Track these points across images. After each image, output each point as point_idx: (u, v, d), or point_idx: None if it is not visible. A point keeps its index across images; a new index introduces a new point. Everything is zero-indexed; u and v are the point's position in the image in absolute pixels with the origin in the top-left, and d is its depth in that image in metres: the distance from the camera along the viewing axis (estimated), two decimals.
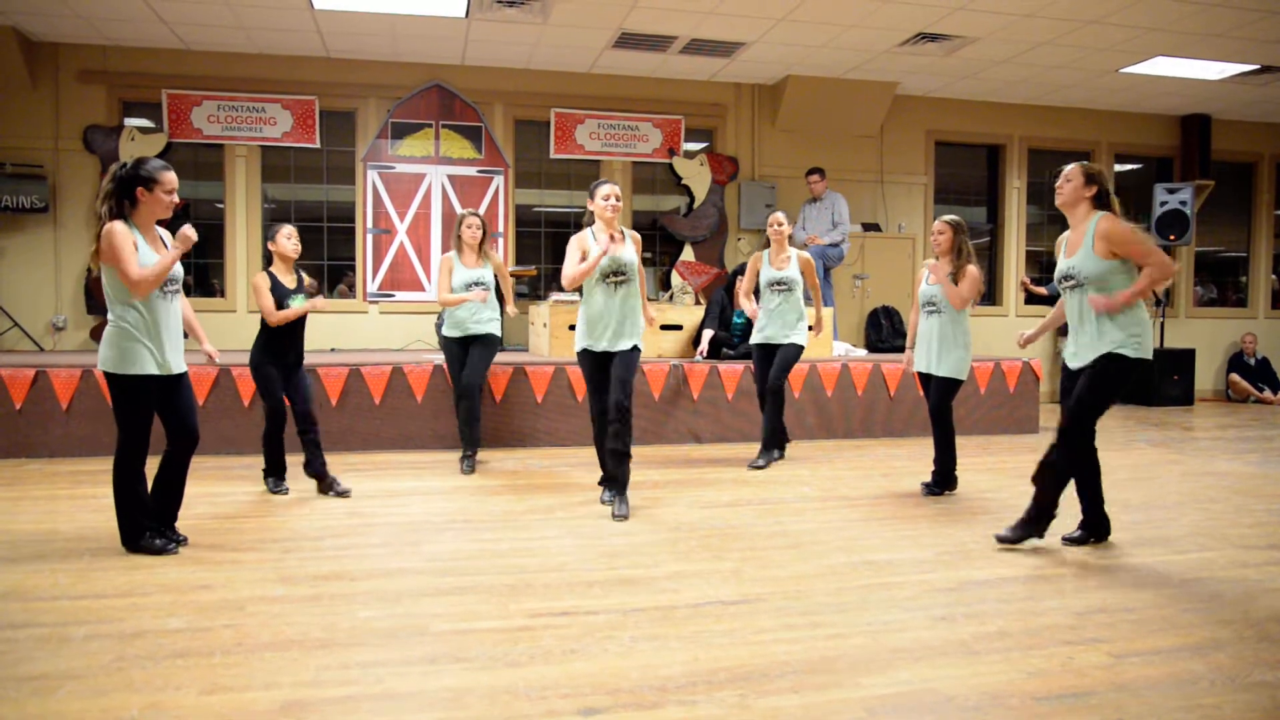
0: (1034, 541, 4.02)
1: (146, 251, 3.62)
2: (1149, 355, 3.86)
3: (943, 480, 5.20)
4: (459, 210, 9.28)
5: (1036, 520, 3.99)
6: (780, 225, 6.00)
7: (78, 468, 5.72)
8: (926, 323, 5.21)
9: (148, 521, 3.76)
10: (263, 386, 4.95)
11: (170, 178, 3.67)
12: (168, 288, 3.71)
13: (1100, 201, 3.91)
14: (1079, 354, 3.96)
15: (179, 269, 3.78)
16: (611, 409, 4.62)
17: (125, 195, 3.62)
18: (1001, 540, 4.02)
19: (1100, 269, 3.81)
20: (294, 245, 4.96)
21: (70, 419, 6.10)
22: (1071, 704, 2.41)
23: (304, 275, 5.05)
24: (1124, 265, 3.82)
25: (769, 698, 2.43)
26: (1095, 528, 4.11)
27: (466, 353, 5.83)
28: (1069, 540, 4.07)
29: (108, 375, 3.65)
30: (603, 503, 4.79)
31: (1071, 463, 3.94)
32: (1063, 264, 4.01)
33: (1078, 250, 3.91)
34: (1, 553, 3.75)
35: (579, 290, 4.90)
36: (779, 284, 5.99)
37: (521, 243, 9.78)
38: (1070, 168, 3.99)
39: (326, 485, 4.98)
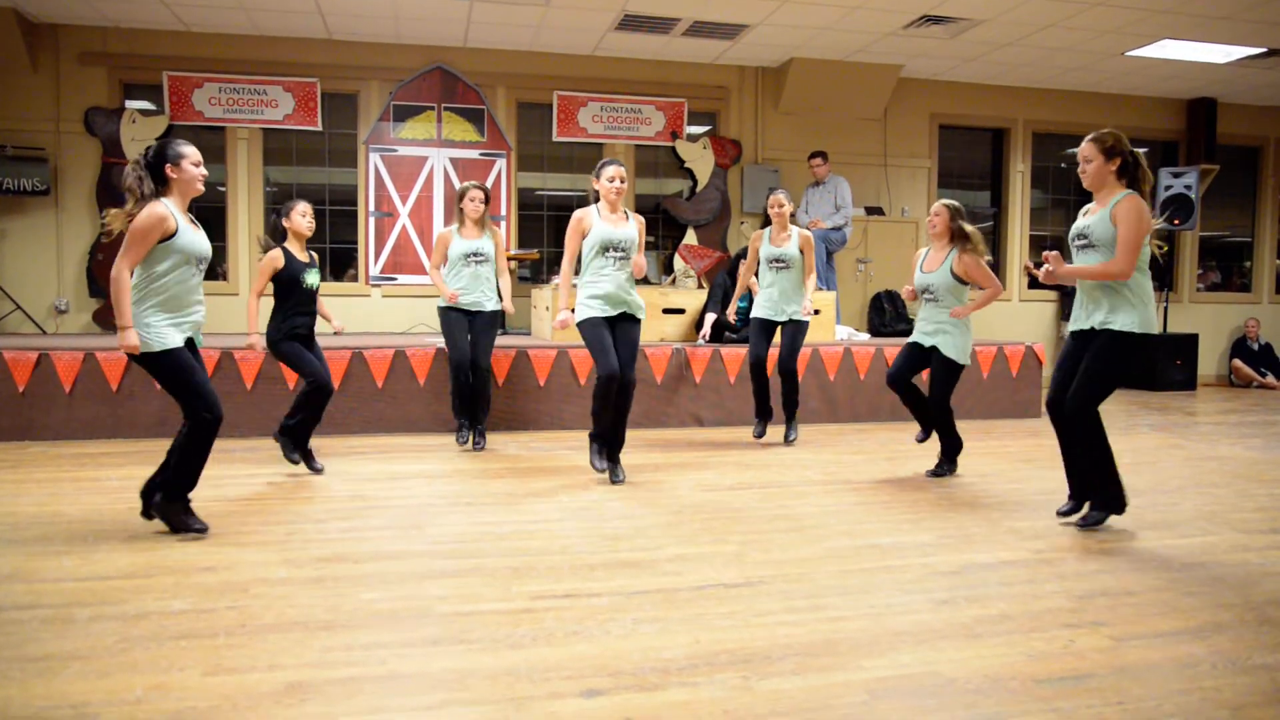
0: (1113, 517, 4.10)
1: (187, 230, 3.64)
2: (1153, 330, 3.86)
3: (945, 464, 5.21)
4: None
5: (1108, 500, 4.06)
6: (781, 206, 6.02)
7: (81, 450, 5.73)
8: (925, 310, 5.21)
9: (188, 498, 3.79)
10: (295, 362, 4.89)
11: (192, 149, 3.70)
12: (200, 264, 3.73)
13: (1126, 171, 3.90)
14: (1078, 319, 4.01)
15: (208, 247, 3.79)
16: (622, 383, 4.76)
17: (156, 182, 3.61)
18: (1084, 527, 4.06)
19: (1111, 236, 3.84)
20: (309, 223, 4.97)
21: (73, 402, 6.11)
22: (1072, 686, 2.41)
23: (314, 255, 5.06)
24: None
25: (771, 679, 2.44)
26: (1081, 499, 4.17)
27: (469, 320, 5.82)
28: (1084, 522, 4.08)
29: (143, 357, 3.64)
30: (596, 469, 4.90)
31: (1093, 442, 3.96)
32: (1080, 222, 4.04)
33: (1096, 213, 3.94)
34: (6, 535, 3.77)
35: (575, 270, 4.95)
36: (777, 261, 6.03)
37: (524, 226, 9.76)
38: (1086, 146, 3.94)
39: (301, 457, 5.05)
